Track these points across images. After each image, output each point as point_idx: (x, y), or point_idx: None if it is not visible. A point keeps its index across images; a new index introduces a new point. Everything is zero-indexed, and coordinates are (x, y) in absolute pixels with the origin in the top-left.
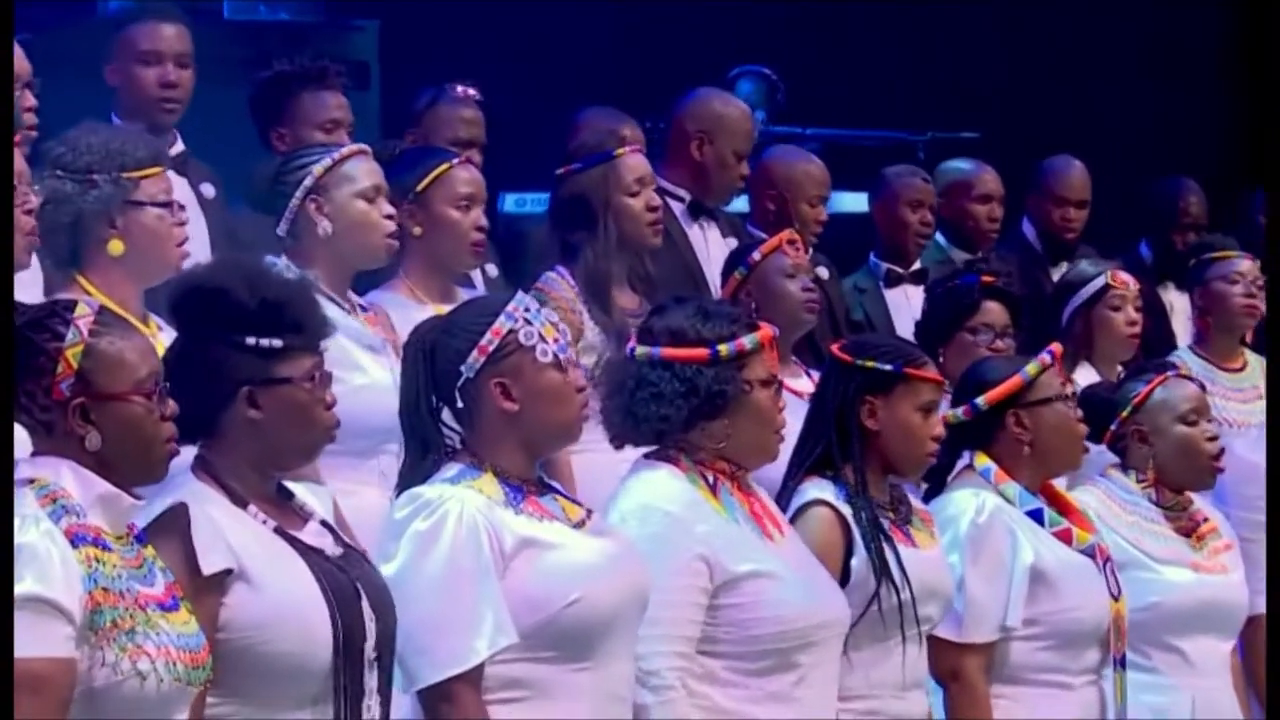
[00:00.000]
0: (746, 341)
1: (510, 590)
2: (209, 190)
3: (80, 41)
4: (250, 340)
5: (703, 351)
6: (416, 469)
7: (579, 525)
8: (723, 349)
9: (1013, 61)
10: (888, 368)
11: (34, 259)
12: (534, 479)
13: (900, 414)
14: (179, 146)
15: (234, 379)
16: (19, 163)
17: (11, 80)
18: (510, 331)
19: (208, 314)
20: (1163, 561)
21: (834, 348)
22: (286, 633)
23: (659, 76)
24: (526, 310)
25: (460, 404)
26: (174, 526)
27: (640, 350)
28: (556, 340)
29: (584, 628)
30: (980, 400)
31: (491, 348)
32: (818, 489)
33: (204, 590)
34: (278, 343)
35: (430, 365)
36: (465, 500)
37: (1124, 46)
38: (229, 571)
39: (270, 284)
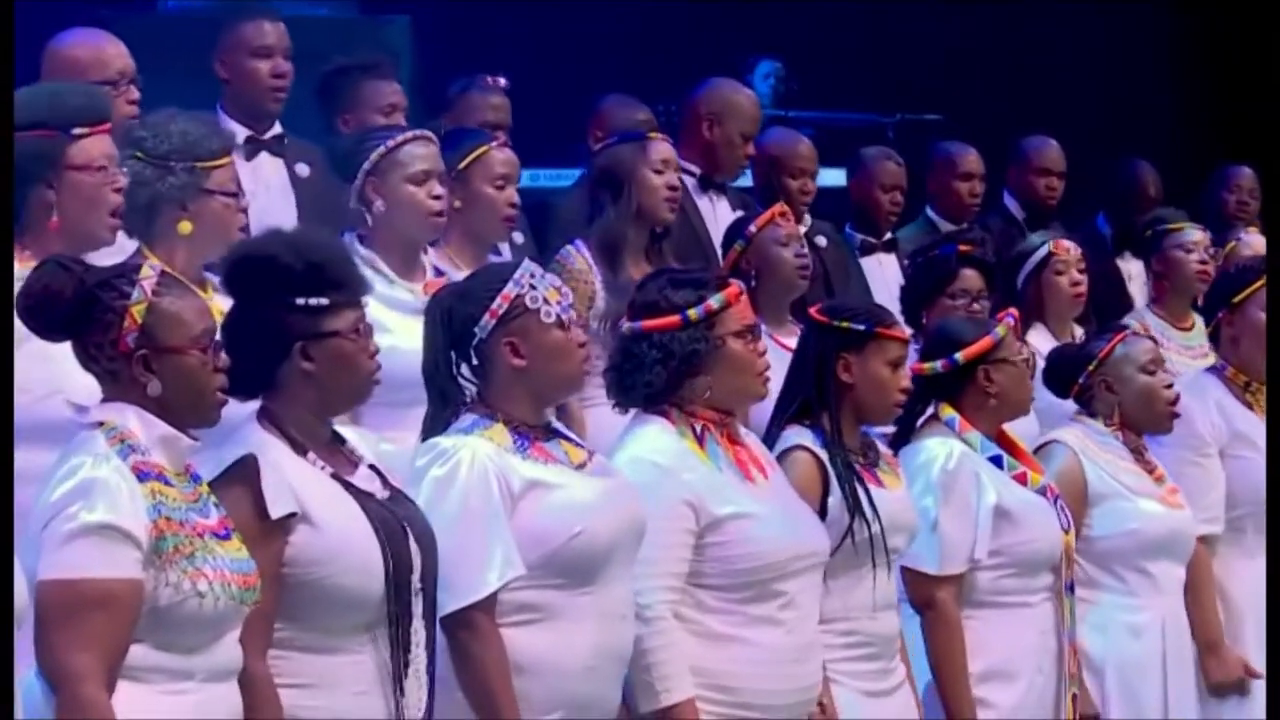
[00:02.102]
0: (714, 301)
1: (519, 527)
2: (303, 170)
3: (141, 37)
4: (300, 300)
5: (674, 319)
6: (438, 418)
7: (581, 467)
8: (692, 313)
9: (974, 51)
10: (860, 327)
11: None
12: (541, 426)
13: (872, 369)
14: (276, 129)
15: (288, 336)
16: (110, 146)
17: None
18: (518, 296)
19: (260, 280)
20: (1138, 494)
21: (812, 310)
22: (344, 567)
23: (664, 66)
24: (532, 276)
25: (475, 361)
26: (244, 476)
27: (626, 326)
28: (559, 302)
29: (586, 557)
30: (959, 355)
31: (501, 311)
32: (798, 436)
33: (271, 532)
34: (324, 300)
35: (448, 328)
36: (476, 448)
37: (1078, 37)
38: (293, 514)
39: (312, 248)
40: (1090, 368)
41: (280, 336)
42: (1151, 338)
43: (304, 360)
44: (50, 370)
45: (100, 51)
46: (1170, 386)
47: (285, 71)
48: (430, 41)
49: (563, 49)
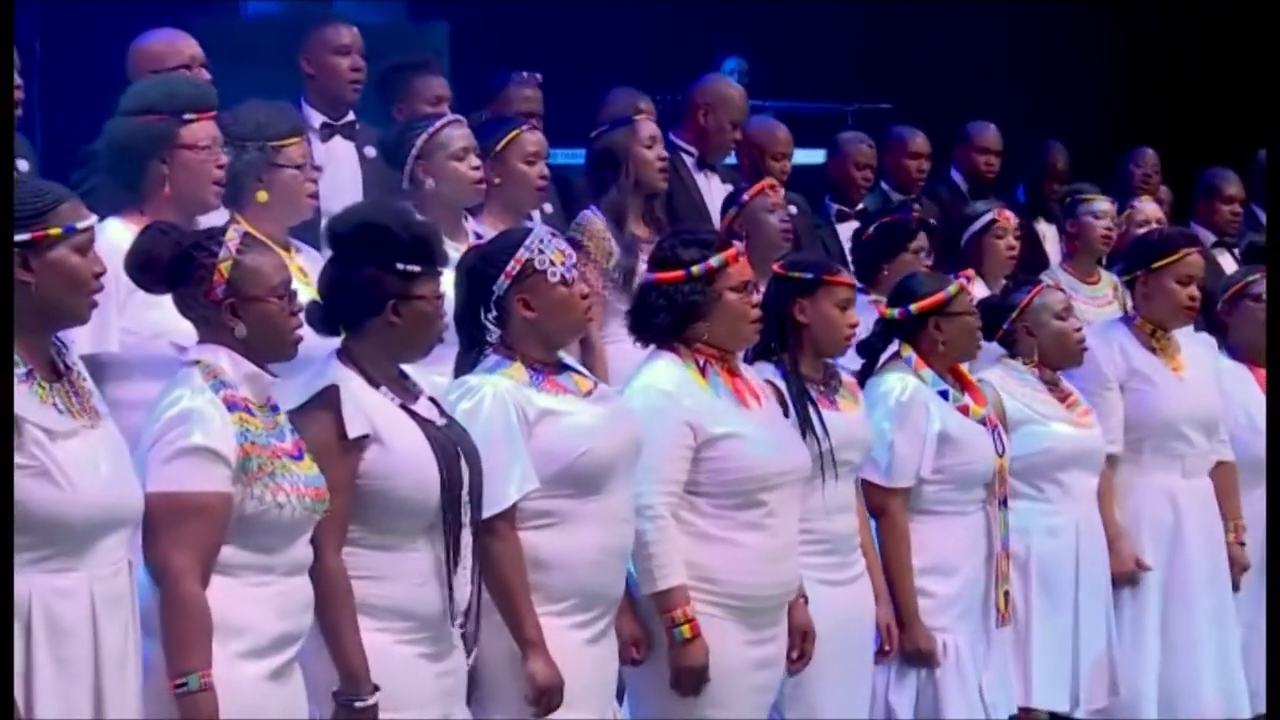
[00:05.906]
0: (714, 261)
1: (535, 448)
2: (370, 152)
3: (228, 38)
4: (400, 266)
5: (679, 273)
6: (466, 358)
7: (587, 395)
8: (695, 269)
9: (920, 50)
10: (810, 276)
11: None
12: (553, 363)
13: (822, 310)
14: (349, 117)
15: (384, 294)
16: (214, 130)
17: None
18: (528, 260)
19: (370, 243)
20: (1050, 419)
21: (774, 265)
22: (407, 481)
23: (661, 60)
24: (540, 241)
25: (495, 312)
26: (327, 402)
27: (644, 276)
28: (564, 263)
29: (591, 471)
30: (913, 306)
31: (514, 273)
32: (762, 370)
33: (349, 449)
34: (418, 269)
35: (471, 285)
36: (497, 385)
37: (1012, 35)
38: (366, 435)
39: (416, 223)
40: (1013, 316)
41: (379, 293)
42: (1062, 289)
43: (393, 316)
44: (156, 316)
45: (173, 44)
46: (1079, 330)
47: (361, 67)
48: (467, 44)
49: (580, 49)
